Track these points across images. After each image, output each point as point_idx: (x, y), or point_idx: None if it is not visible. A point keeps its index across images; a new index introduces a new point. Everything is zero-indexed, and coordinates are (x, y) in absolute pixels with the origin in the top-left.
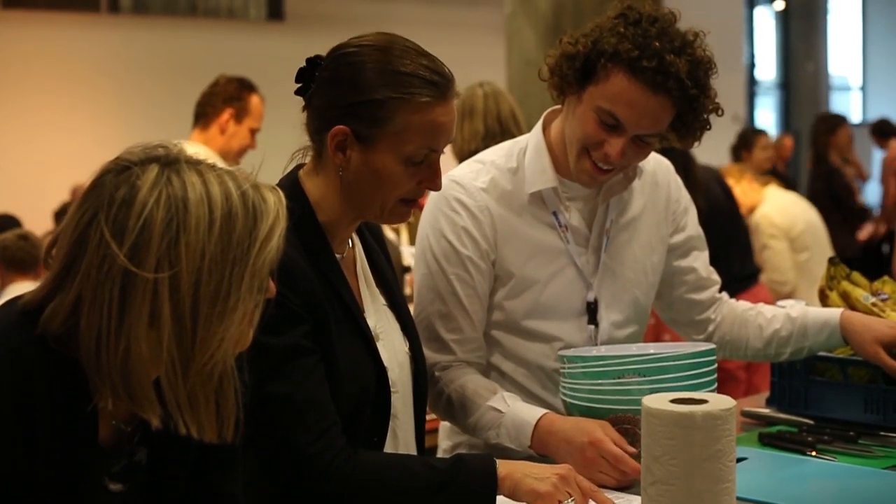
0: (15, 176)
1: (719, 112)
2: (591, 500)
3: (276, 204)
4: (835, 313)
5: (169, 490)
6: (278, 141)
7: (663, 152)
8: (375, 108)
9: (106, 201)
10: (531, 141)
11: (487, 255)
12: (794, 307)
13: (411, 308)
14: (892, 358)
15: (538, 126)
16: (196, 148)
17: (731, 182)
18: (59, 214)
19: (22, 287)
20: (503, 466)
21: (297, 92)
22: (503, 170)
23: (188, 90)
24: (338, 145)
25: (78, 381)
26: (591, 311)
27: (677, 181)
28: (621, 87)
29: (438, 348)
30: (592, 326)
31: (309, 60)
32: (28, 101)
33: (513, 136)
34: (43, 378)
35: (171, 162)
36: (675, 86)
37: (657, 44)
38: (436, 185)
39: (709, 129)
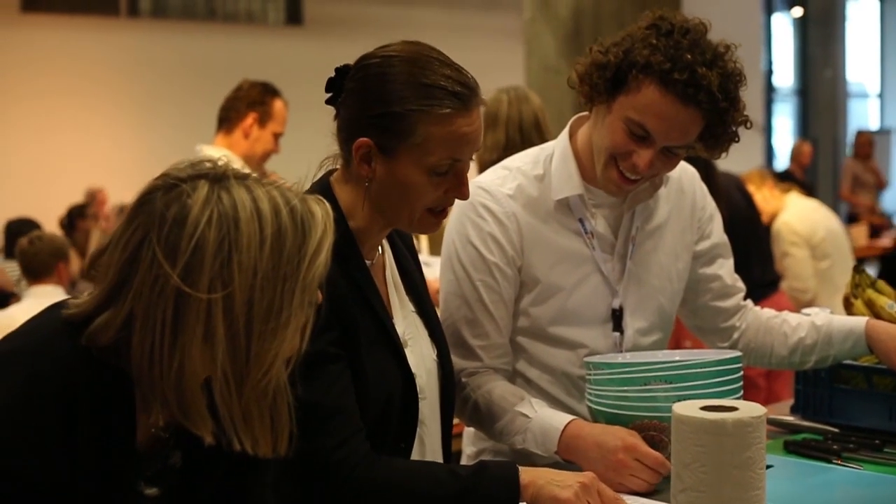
0: (31, 177)
1: (748, 125)
2: None
3: (323, 217)
4: (860, 322)
5: (201, 493)
6: (298, 144)
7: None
8: (396, 120)
9: (157, 220)
10: (557, 147)
11: (514, 261)
12: (819, 315)
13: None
14: None
15: (565, 133)
16: (219, 152)
17: (751, 188)
18: (70, 218)
19: (42, 291)
20: (526, 474)
21: (328, 101)
22: (529, 176)
23: (206, 94)
24: (362, 157)
25: (121, 391)
26: (617, 318)
27: (703, 188)
28: (652, 99)
29: (465, 354)
30: (617, 333)
31: (338, 70)
32: (45, 103)
33: (533, 145)
34: (86, 387)
35: (219, 178)
36: (705, 98)
37: (689, 56)
38: (462, 195)
39: (737, 141)
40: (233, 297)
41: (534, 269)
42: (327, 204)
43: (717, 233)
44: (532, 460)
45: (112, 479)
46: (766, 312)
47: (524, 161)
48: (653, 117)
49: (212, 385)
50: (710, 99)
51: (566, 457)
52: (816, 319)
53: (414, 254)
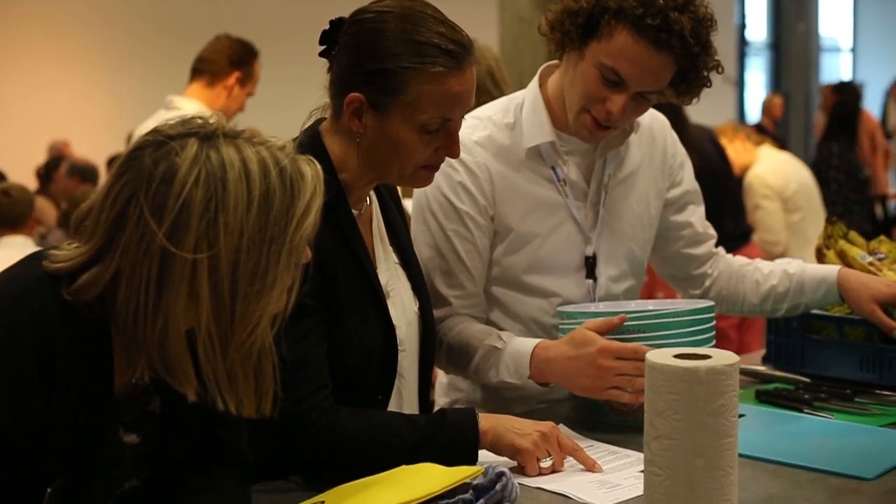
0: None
1: (719, 70)
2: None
3: (313, 179)
4: (832, 270)
5: (180, 441)
6: (273, 100)
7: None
8: (389, 77)
9: (146, 178)
10: (528, 96)
11: (486, 210)
12: (792, 263)
13: None
14: (888, 316)
15: (534, 81)
16: (191, 104)
17: (724, 141)
18: (47, 170)
19: (14, 241)
20: (485, 420)
21: (322, 54)
22: (500, 125)
23: (178, 47)
24: (354, 112)
25: (98, 343)
26: (590, 265)
27: (673, 136)
28: (625, 45)
29: (438, 303)
30: (591, 281)
31: (332, 23)
32: (13, 57)
33: (491, 95)
34: (64, 338)
35: (209, 136)
36: (678, 43)
37: (661, 1)
38: (454, 153)
39: (709, 86)
40: (218, 258)
41: (506, 218)
42: (318, 165)
43: (689, 180)
44: (508, 407)
45: (89, 428)
46: (739, 260)
47: (494, 110)
48: (626, 62)
49: (196, 344)
50: (682, 44)
51: (542, 380)
52: (789, 267)
53: (400, 206)
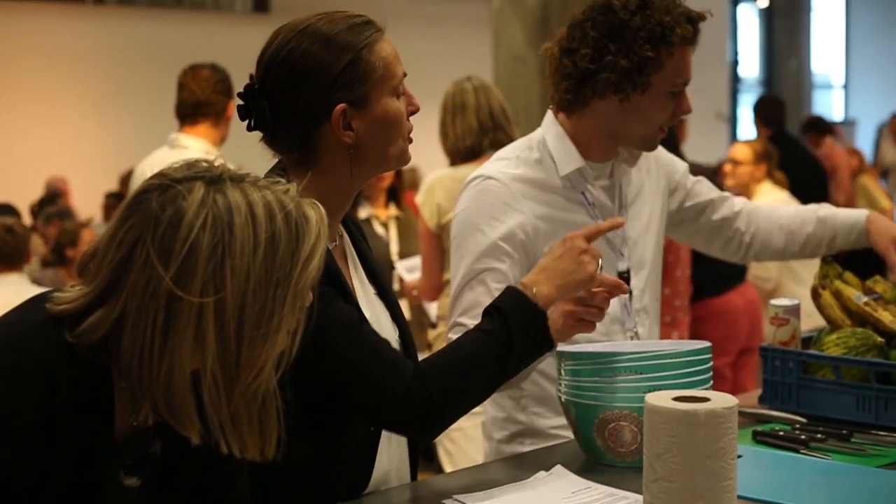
0: None
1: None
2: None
3: (317, 222)
4: (861, 216)
5: (181, 483)
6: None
7: None
8: (357, 66)
9: (152, 222)
10: (548, 132)
11: (520, 243)
12: (823, 208)
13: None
14: None
15: (549, 118)
16: (200, 144)
17: (740, 157)
18: (41, 206)
19: (9, 280)
20: (529, 278)
21: (256, 128)
22: (529, 161)
23: (172, 83)
24: (344, 125)
25: (100, 387)
26: (625, 280)
27: (660, 150)
28: (680, 58)
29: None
30: (626, 295)
31: (247, 89)
32: (10, 91)
33: (505, 131)
34: (66, 381)
35: (215, 180)
36: (698, 29)
37: (680, 10)
38: (415, 104)
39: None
40: (224, 302)
41: (545, 249)
42: (321, 208)
43: (691, 178)
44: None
45: (91, 472)
46: (765, 210)
47: (519, 149)
48: (688, 70)
49: (201, 388)
50: (700, 21)
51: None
52: (820, 212)
53: (367, 240)
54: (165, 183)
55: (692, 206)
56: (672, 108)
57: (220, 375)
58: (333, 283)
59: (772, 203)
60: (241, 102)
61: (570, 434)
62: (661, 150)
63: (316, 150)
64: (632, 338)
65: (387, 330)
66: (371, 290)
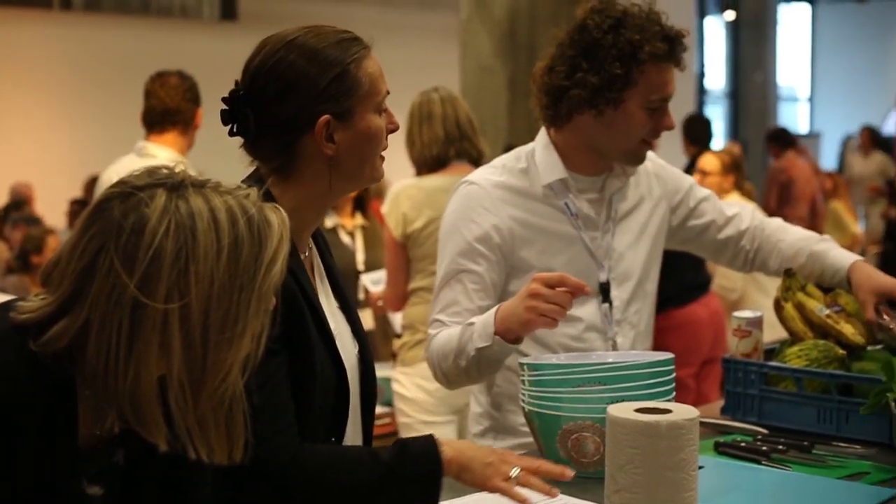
0: None
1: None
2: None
3: (279, 226)
4: (847, 262)
5: (144, 493)
6: (234, 140)
7: None
8: (344, 79)
9: (115, 229)
10: (538, 143)
11: (499, 249)
12: (821, 242)
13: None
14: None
15: (542, 132)
16: (168, 153)
17: (709, 168)
18: (3, 216)
19: None
20: (449, 448)
21: (238, 133)
22: (514, 171)
23: (139, 90)
24: (326, 136)
25: (63, 396)
26: (605, 290)
27: (661, 165)
28: (661, 76)
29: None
30: (606, 305)
31: (232, 95)
32: None
33: (471, 141)
34: (29, 390)
35: (176, 186)
36: (678, 45)
37: (657, 28)
38: (395, 123)
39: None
40: (189, 307)
41: (525, 254)
42: (283, 212)
43: (694, 194)
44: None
45: (54, 481)
46: (770, 230)
47: (508, 158)
48: (666, 87)
49: (167, 393)
50: (679, 40)
51: (502, 329)
52: (815, 246)
53: (331, 253)
54: (127, 191)
55: (694, 226)
56: (651, 124)
57: (186, 381)
58: (303, 294)
59: (780, 223)
60: (225, 107)
61: None
62: (665, 166)
63: (295, 159)
64: (612, 347)
65: (347, 345)
66: (335, 303)
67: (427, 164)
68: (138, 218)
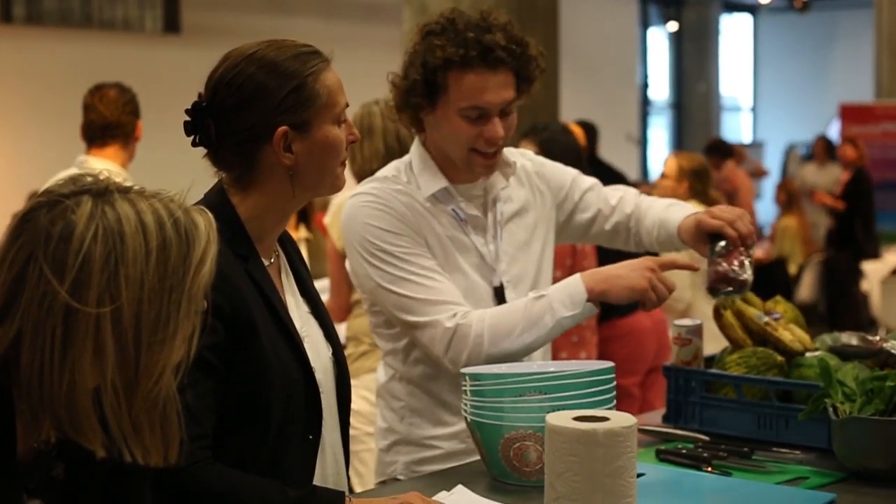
0: None
1: (543, 54)
2: None
3: (206, 227)
4: (677, 221)
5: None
6: (177, 154)
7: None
8: (302, 91)
9: (43, 237)
10: (414, 155)
11: (414, 234)
12: (668, 208)
13: None
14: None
15: (416, 141)
16: (109, 166)
17: (665, 169)
18: None
19: None
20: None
21: (200, 143)
22: (399, 183)
23: (78, 106)
24: (285, 147)
25: (1, 410)
26: (500, 294)
27: (552, 166)
28: (469, 84)
29: (435, 311)
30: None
31: (194, 108)
32: None
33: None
34: None
35: (102, 192)
36: (505, 55)
37: (471, 34)
38: (354, 134)
39: (543, 70)
40: (121, 311)
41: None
42: (209, 214)
43: (579, 185)
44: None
45: None
46: (643, 208)
47: (389, 172)
48: (479, 96)
49: (101, 398)
50: (508, 53)
51: (599, 291)
52: (662, 214)
53: (303, 259)
54: (53, 199)
55: (582, 219)
56: (473, 133)
57: (120, 384)
58: (265, 301)
59: (650, 199)
60: (188, 119)
61: (445, 444)
62: (547, 163)
63: (255, 169)
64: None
65: (321, 348)
66: (305, 308)
67: (367, 177)
68: (66, 225)
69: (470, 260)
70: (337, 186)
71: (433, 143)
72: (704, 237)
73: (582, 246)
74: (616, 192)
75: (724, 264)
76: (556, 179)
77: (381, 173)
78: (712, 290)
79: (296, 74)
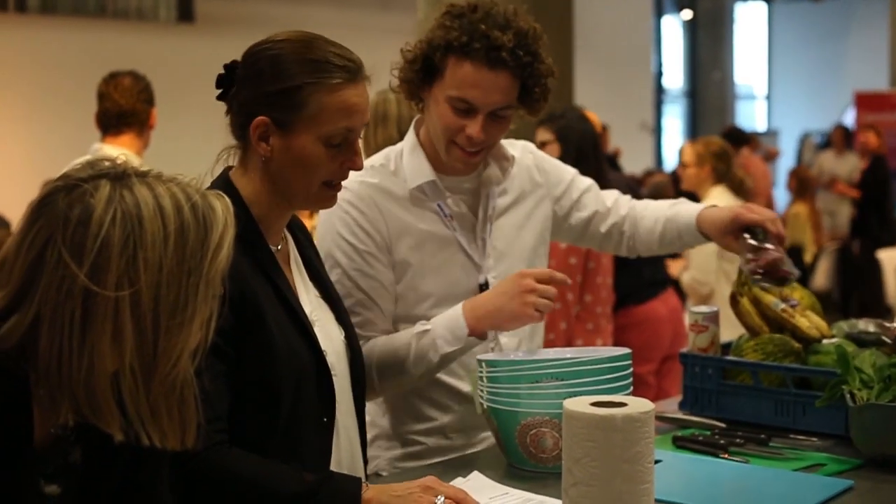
0: None
1: (555, 75)
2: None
3: (223, 212)
4: (694, 214)
5: (102, 492)
6: (191, 143)
7: (575, 164)
8: (291, 94)
9: (61, 221)
10: (406, 144)
11: (384, 246)
12: (674, 206)
13: None
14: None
15: (411, 130)
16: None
17: (691, 158)
18: None
19: None
20: (370, 490)
21: (220, 97)
22: (385, 172)
23: (92, 94)
24: (260, 136)
25: (18, 393)
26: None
27: (551, 162)
28: (463, 73)
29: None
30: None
31: (227, 66)
32: None
33: None
34: None
35: (120, 177)
36: (508, 57)
37: (483, 26)
38: (356, 166)
39: (549, 91)
40: (140, 294)
41: (402, 255)
42: (227, 198)
43: (577, 185)
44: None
45: (10, 480)
46: (639, 210)
47: (377, 159)
48: (469, 89)
49: (119, 382)
50: (512, 57)
51: (478, 328)
52: (668, 211)
53: (314, 246)
54: (71, 183)
55: (578, 218)
56: (456, 125)
57: (138, 368)
58: (269, 283)
59: (644, 203)
60: (222, 72)
61: (427, 440)
62: (547, 158)
63: (248, 149)
64: (496, 348)
65: (332, 331)
66: (315, 292)
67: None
68: (84, 208)
69: (454, 257)
70: (317, 204)
71: (426, 128)
72: (738, 231)
73: (597, 262)
74: (611, 195)
75: (775, 252)
76: (556, 174)
77: (371, 161)
78: (766, 274)
79: (293, 77)
